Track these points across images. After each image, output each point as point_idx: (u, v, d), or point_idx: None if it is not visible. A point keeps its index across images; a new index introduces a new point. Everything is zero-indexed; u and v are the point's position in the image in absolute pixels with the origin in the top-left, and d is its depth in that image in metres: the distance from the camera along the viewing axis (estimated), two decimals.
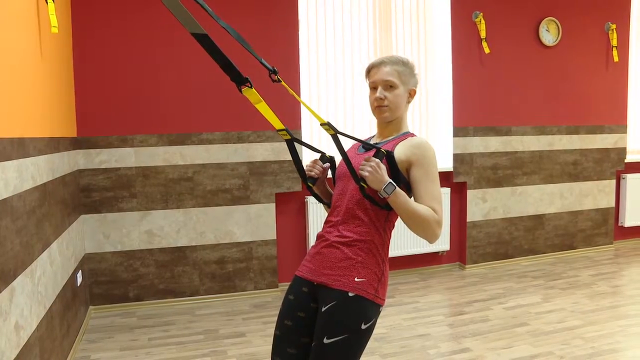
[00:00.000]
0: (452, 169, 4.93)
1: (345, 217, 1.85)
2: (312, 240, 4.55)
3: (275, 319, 4.11)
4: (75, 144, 3.92)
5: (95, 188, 4.05)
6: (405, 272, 4.94)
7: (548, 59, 5.27)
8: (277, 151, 4.40)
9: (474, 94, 4.97)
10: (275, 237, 4.46)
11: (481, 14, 4.88)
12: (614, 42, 5.48)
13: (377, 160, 1.71)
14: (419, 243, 4.83)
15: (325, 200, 2.03)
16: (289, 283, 4.65)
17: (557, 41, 5.25)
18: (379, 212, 1.82)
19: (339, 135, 1.74)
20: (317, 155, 2.00)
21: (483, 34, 4.89)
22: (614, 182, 5.72)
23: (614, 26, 5.46)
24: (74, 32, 3.95)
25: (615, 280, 4.62)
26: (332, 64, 4.68)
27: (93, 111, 4.01)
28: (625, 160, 5.76)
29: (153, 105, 4.12)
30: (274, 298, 4.36)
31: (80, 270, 3.76)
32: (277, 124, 1.74)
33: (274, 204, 4.44)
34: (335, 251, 1.82)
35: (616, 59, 5.49)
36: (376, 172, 1.69)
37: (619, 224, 5.89)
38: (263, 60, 1.70)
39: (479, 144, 5.00)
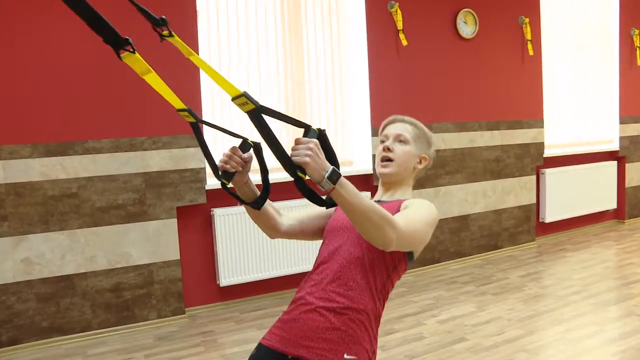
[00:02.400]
0: (371, 171, 4.58)
1: (336, 276, 1.56)
2: (221, 258, 4.04)
3: (186, 350, 3.68)
4: None
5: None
6: None
7: (466, 52, 5.05)
8: (177, 159, 3.86)
9: (392, 90, 4.65)
10: (178, 257, 3.91)
11: (397, 4, 4.57)
12: (528, 36, 5.36)
13: (315, 140, 1.28)
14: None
15: (248, 201, 1.59)
16: (196, 307, 4.18)
17: (474, 33, 5.05)
18: (380, 275, 1.57)
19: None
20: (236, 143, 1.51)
21: (400, 25, 4.58)
22: (534, 177, 5.61)
23: (527, 20, 5.35)
24: None
25: (544, 280, 4.44)
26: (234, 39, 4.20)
27: None
28: (544, 155, 5.67)
29: (24, 108, 3.46)
30: (180, 326, 3.81)
31: None
32: (176, 102, 1.33)
33: (175, 220, 3.89)
34: (318, 318, 1.52)
35: (531, 52, 5.38)
36: (317, 156, 1.27)
37: (540, 220, 5.79)
38: (144, 8, 1.17)
39: None
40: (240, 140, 1.48)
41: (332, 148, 1.37)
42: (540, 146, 5.60)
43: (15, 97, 3.44)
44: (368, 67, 4.52)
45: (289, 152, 1.27)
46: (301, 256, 4.32)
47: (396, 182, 1.76)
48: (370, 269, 1.55)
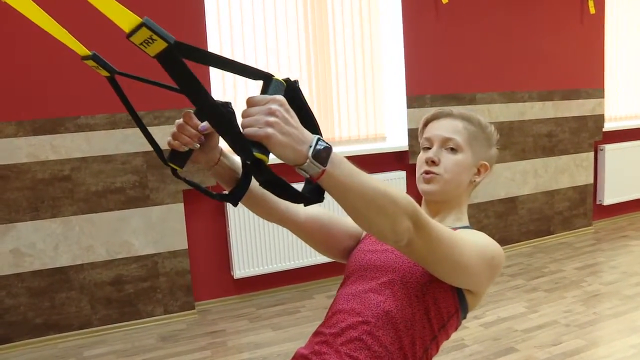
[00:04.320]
0: (406, 148, 4.03)
1: (356, 336, 1.12)
2: (235, 247, 3.60)
3: (189, 355, 3.26)
4: None
5: None
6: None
7: (516, 11, 4.40)
8: None
9: (429, 55, 4.05)
10: (186, 247, 3.48)
11: None
12: None
13: (279, 97, 0.79)
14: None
15: (230, 186, 1.14)
16: (207, 302, 3.77)
17: None
18: (420, 337, 1.14)
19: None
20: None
21: None
22: (592, 154, 4.95)
23: None
24: None
25: (606, 275, 3.84)
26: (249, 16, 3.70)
27: None
28: (603, 129, 4.99)
29: (7, 81, 3.05)
30: (189, 324, 3.40)
31: None
32: (77, 45, 0.90)
33: (182, 204, 3.45)
34: None
35: (592, 10, 4.67)
36: (286, 122, 0.77)
37: (597, 203, 5.15)
38: None
39: None
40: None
41: (308, 109, 0.88)
42: (599, 119, 4.92)
43: None
44: (402, 29, 3.93)
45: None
46: None
47: (445, 202, 1.34)
48: (406, 329, 1.11)
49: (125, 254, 3.35)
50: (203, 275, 3.62)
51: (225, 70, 0.79)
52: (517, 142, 4.49)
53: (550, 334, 2.94)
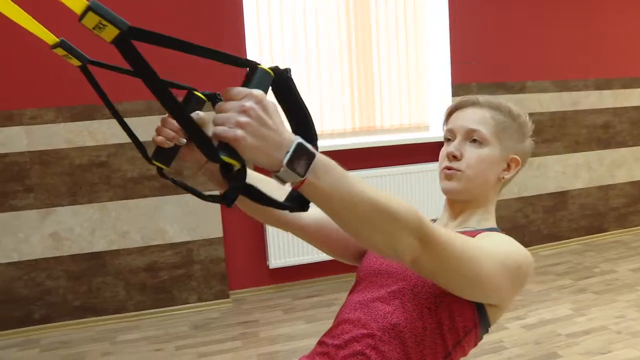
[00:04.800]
0: None
1: (359, 349, 1.02)
2: (271, 236, 3.55)
3: (220, 344, 3.24)
4: None
5: None
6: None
7: None
8: None
9: (477, 39, 3.86)
10: (222, 234, 3.45)
11: None
12: None
13: (257, 91, 0.67)
14: None
15: (223, 186, 0.99)
16: (242, 291, 3.75)
17: None
18: (432, 353, 1.03)
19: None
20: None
21: None
22: None
23: None
24: None
25: None
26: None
27: None
28: None
29: (47, 68, 3.08)
30: (223, 312, 3.38)
31: None
32: (44, 33, 0.83)
33: (217, 192, 3.42)
34: None
35: None
36: (261, 123, 0.66)
37: None
38: None
39: None
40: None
41: (301, 104, 0.76)
42: None
43: (36, 56, 3.05)
44: (448, 11, 3.75)
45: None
46: None
47: (468, 201, 1.20)
48: (415, 345, 1.01)
49: (160, 241, 3.35)
50: (238, 264, 3.59)
51: (196, 54, 0.69)
52: (569, 134, 4.25)
53: (598, 341, 2.76)
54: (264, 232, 3.57)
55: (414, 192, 3.73)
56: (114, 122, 3.19)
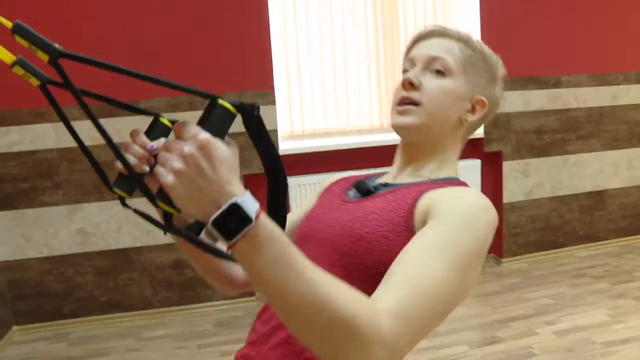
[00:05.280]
0: (481, 135, 3.76)
1: (285, 338, 0.91)
2: None
3: (243, 343, 3.14)
4: None
5: (7, 177, 3.11)
6: None
7: None
8: None
9: (509, 29, 3.72)
10: None
11: None
12: None
13: (203, 136, 0.59)
14: None
15: (181, 226, 0.91)
16: None
17: None
18: None
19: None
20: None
21: None
22: None
23: None
24: None
25: None
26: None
27: None
28: None
29: (71, 65, 3.11)
30: (245, 311, 3.37)
31: None
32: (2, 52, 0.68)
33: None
34: None
35: None
36: (197, 171, 0.59)
37: None
38: None
39: (517, 101, 3.79)
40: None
41: (269, 145, 0.69)
42: None
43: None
44: (479, 4, 3.63)
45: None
46: None
47: (424, 143, 1.04)
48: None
49: None
50: None
51: (153, 82, 0.64)
52: (608, 130, 4.07)
53: (637, 352, 2.62)
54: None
55: None
56: (139, 119, 3.20)
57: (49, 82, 0.72)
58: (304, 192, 3.46)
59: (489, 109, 1.07)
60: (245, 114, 0.67)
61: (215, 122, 0.64)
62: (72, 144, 3.13)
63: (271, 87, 3.34)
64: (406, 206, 0.91)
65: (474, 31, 3.68)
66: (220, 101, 0.64)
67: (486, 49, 1.08)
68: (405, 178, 1.05)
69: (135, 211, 0.80)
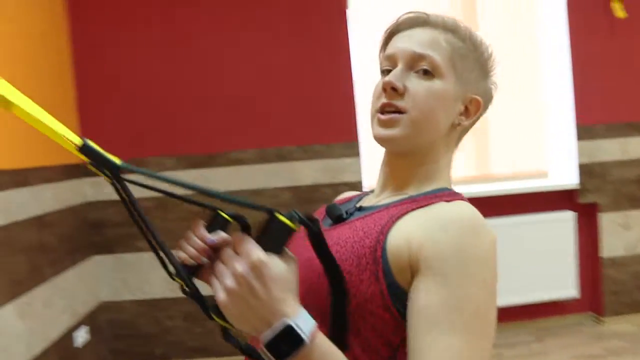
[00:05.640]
0: (577, 186, 3.56)
1: None
2: None
3: None
4: (81, 170, 3.24)
5: (108, 223, 3.34)
6: (514, 326, 3.64)
7: None
8: (331, 171, 3.38)
9: (602, 76, 3.55)
10: None
11: None
12: None
13: (257, 257, 0.61)
14: (534, 286, 3.53)
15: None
16: None
17: None
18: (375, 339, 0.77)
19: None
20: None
21: None
22: None
23: None
24: (74, 51, 3.29)
25: None
26: None
27: (100, 132, 3.31)
28: None
29: (169, 120, 3.33)
30: None
31: (85, 326, 3.05)
32: (66, 141, 0.63)
33: None
34: None
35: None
36: (249, 292, 0.61)
37: None
38: None
39: (614, 149, 3.58)
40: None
41: (330, 256, 0.69)
42: None
43: (161, 110, 3.32)
44: (570, 47, 3.51)
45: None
46: (535, 282, 3.51)
47: (414, 156, 0.90)
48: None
49: None
50: None
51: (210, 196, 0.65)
52: None
53: None
54: None
55: (530, 244, 3.47)
56: (229, 170, 3.35)
57: (117, 178, 0.69)
58: None
59: (482, 106, 0.93)
60: (307, 227, 0.67)
61: (272, 237, 0.64)
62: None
63: (357, 138, 3.39)
64: (374, 234, 0.79)
65: (565, 73, 3.56)
66: (278, 215, 0.65)
67: (475, 35, 0.92)
68: (387, 197, 0.92)
69: (194, 298, 0.79)
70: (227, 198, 0.65)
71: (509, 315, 3.58)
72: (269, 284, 0.60)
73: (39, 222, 2.67)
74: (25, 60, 2.71)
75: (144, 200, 3.33)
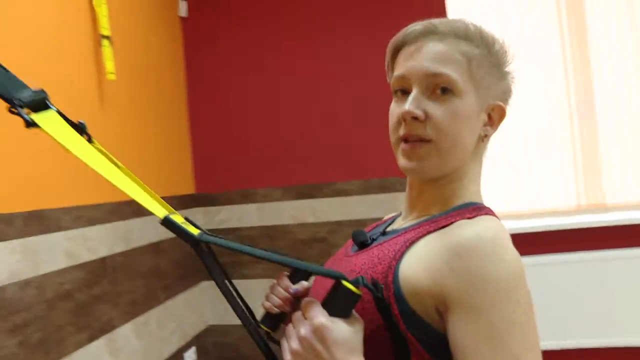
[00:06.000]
0: None
1: None
2: None
3: None
4: (194, 201, 3.44)
5: (216, 251, 3.50)
6: None
7: None
8: None
9: None
10: None
11: None
12: None
13: (320, 322, 0.65)
14: (615, 328, 3.23)
15: None
16: None
17: None
18: None
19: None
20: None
21: None
22: None
23: None
24: (188, 85, 3.53)
25: None
26: None
27: (211, 164, 3.50)
28: None
29: (276, 152, 3.46)
30: None
31: (194, 347, 3.20)
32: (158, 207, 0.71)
33: None
34: None
35: None
36: (313, 353, 0.65)
37: None
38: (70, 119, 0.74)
39: None
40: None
41: (395, 324, 0.71)
42: None
43: (268, 142, 3.46)
44: None
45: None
46: None
47: (442, 178, 0.87)
48: None
49: None
50: None
51: (265, 259, 0.69)
52: None
53: None
54: None
55: None
56: (333, 200, 3.41)
57: (202, 241, 0.71)
58: None
59: (505, 111, 0.89)
60: (375, 292, 0.70)
61: (337, 302, 0.67)
62: (273, 222, 3.43)
63: None
64: (387, 260, 0.78)
65: None
66: (344, 282, 0.67)
67: (486, 35, 0.86)
68: (411, 220, 0.90)
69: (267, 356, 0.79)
70: (298, 265, 0.68)
71: (627, 356, 3.30)
72: (332, 346, 0.64)
73: (155, 248, 2.86)
74: (146, 94, 2.95)
75: (250, 229, 3.46)
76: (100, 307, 2.23)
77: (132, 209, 2.63)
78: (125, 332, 2.43)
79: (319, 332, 0.65)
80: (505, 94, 0.88)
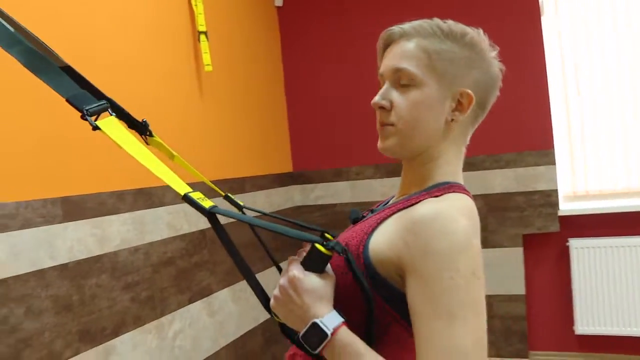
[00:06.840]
0: None
1: None
2: (578, 299, 3.28)
3: None
4: (291, 179, 3.70)
5: (316, 224, 3.75)
6: None
7: None
8: (523, 179, 3.33)
9: None
10: (524, 292, 3.37)
11: None
12: None
13: (293, 274, 0.83)
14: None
15: None
16: (543, 353, 3.51)
17: None
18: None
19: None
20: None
21: None
22: None
23: None
24: (285, 73, 3.77)
25: None
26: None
27: (307, 144, 3.73)
28: None
29: (368, 132, 3.61)
30: None
31: None
32: (178, 184, 0.86)
33: (521, 249, 3.36)
34: None
35: None
36: (287, 299, 0.84)
37: None
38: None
39: None
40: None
41: (363, 283, 0.84)
42: None
43: (361, 122, 3.61)
44: None
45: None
46: None
47: (417, 158, 0.99)
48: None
49: None
50: (540, 325, 3.43)
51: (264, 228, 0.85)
52: None
53: None
54: (571, 293, 3.34)
55: None
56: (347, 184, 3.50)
57: (212, 212, 0.85)
58: (590, 255, 3.24)
59: (480, 95, 0.97)
60: (342, 255, 0.86)
61: (311, 260, 0.86)
62: (365, 198, 3.60)
63: (551, 146, 3.28)
64: (361, 234, 0.93)
65: None
66: (316, 245, 0.84)
67: (455, 30, 0.96)
68: (397, 198, 1.04)
69: (293, 340, 0.94)
70: (289, 234, 0.84)
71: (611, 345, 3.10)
72: (302, 294, 0.82)
73: None
74: (245, 82, 3.22)
75: (344, 205, 3.66)
76: (200, 274, 2.55)
77: (231, 186, 2.92)
78: (223, 296, 2.74)
79: (292, 282, 0.83)
80: (479, 81, 0.97)
